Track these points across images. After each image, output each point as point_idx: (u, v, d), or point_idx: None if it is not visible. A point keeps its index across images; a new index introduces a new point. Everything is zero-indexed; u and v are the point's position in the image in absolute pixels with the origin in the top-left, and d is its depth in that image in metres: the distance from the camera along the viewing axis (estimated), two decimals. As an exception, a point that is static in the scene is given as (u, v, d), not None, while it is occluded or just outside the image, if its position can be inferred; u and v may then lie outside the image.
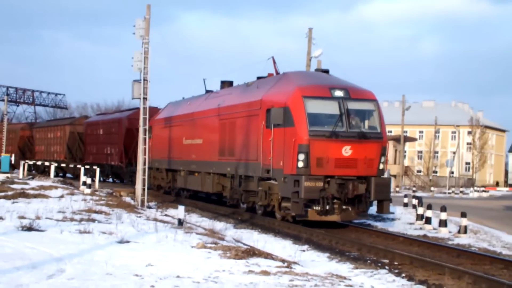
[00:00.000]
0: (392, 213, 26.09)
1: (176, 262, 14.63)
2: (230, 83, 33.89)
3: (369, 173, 23.25)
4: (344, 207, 23.23)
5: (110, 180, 52.51)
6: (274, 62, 30.14)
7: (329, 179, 22.64)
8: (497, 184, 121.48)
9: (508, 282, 14.39)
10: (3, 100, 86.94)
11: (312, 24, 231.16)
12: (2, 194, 30.36)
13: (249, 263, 14.97)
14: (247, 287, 12.30)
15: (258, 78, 29.95)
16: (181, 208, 23.60)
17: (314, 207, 22.86)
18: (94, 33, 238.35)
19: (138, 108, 43.75)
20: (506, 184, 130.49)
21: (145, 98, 31.17)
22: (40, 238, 17.33)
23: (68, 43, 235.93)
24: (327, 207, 22.46)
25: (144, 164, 31.28)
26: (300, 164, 22.47)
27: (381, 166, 23.54)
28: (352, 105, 23.50)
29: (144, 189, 30.99)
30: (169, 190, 39.21)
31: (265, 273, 13.87)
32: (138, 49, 30.90)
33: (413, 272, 16.27)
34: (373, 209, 25.91)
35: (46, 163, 57.11)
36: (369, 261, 17.92)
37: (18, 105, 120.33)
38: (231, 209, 30.89)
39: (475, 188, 72.70)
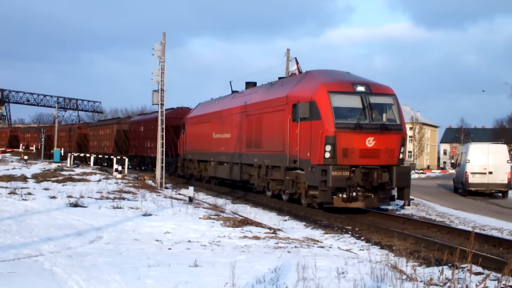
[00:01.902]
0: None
1: (187, 230, 14.60)
2: (254, 84, 30.77)
3: (390, 162, 20.25)
4: (367, 194, 20.18)
5: (150, 169, 49.43)
6: (297, 62, 26.91)
7: (354, 168, 19.67)
8: (428, 167, 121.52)
9: (440, 241, 14.45)
10: (54, 107, 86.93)
11: (290, 45, 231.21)
12: (54, 178, 30.36)
13: (244, 230, 14.94)
14: (242, 248, 12.28)
15: (280, 78, 27.30)
16: (191, 188, 23.52)
17: (340, 195, 19.85)
18: (123, 55, 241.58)
19: (172, 108, 44.15)
20: (438, 167, 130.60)
21: (162, 104, 31.16)
22: (83, 212, 17.32)
23: (102, 62, 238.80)
24: (353, 195, 19.53)
25: (162, 155, 31.13)
26: (327, 155, 19.50)
27: (401, 156, 20.66)
28: (373, 99, 20.46)
29: (162, 174, 30.88)
30: (199, 177, 35.99)
31: (256, 237, 13.84)
32: (156, 67, 30.88)
33: (370, 236, 16.23)
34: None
35: (87, 155, 57.08)
36: (336, 228, 17.88)
37: (65, 111, 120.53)
38: (228, 189, 30.77)
39: (415, 170, 72.58)
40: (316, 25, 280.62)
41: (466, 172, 32.49)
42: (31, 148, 76.73)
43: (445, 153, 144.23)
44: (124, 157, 45.55)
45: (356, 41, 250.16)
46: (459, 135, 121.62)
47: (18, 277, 8.67)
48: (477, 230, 16.46)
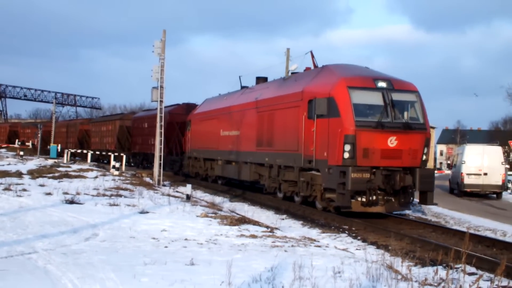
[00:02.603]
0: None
1: (184, 228, 14.57)
2: (264, 79, 29.15)
3: (413, 164, 18.73)
4: (387, 198, 18.72)
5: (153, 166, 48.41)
6: (313, 56, 24.80)
7: (374, 170, 18.17)
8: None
9: (435, 242, 14.47)
10: (52, 103, 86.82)
11: (290, 45, 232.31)
12: (51, 175, 30.26)
13: (241, 229, 14.91)
14: (239, 247, 12.24)
15: (293, 73, 25.68)
16: (189, 186, 23.52)
17: (359, 198, 18.51)
18: (123, 51, 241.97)
19: (178, 104, 42.69)
20: (435, 167, 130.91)
21: (161, 101, 31.07)
22: (80, 209, 17.26)
23: (102, 58, 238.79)
24: (373, 198, 18.09)
25: (160, 152, 31.04)
26: (346, 155, 17.94)
27: (424, 157, 19.10)
28: (396, 96, 18.96)
29: (160, 172, 30.83)
30: (205, 177, 34.31)
31: (253, 236, 13.82)
32: (156, 64, 30.83)
33: (366, 235, 16.24)
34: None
35: (84, 151, 56.72)
36: (333, 227, 17.87)
37: (63, 107, 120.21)
38: (227, 187, 30.68)
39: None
40: (316, 25, 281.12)
41: (461, 173, 32.77)
42: (27, 144, 76.40)
43: (441, 154, 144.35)
44: (122, 154, 44.95)
45: (356, 42, 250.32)
46: (456, 137, 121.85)
47: (11, 275, 8.60)
48: (471, 231, 16.53)
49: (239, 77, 32.48)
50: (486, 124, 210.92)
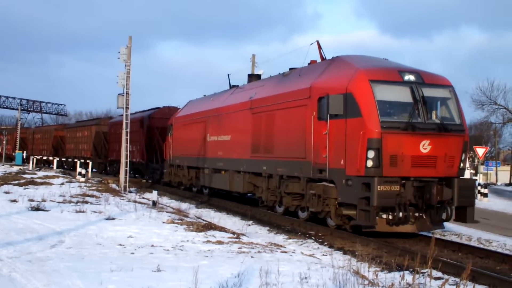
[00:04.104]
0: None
1: (151, 234, 14.48)
2: (258, 77, 25.85)
3: (449, 173, 15.50)
4: (417, 214, 15.46)
5: (132, 175, 42.83)
6: (320, 47, 20.42)
7: (404, 181, 14.96)
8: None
9: (401, 247, 14.50)
10: (17, 109, 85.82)
11: (258, 50, 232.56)
12: (16, 182, 29.92)
13: (207, 235, 14.85)
14: (205, 253, 12.19)
15: (291, 69, 21.54)
16: (155, 192, 23.40)
17: (383, 216, 15.04)
18: (89, 57, 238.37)
19: (158, 108, 40.66)
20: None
21: (127, 107, 30.88)
22: (45, 216, 17.06)
23: (68, 64, 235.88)
24: (403, 216, 14.73)
25: (126, 158, 30.80)
26: (370, 163, 14.70)
27: (461, 165, 15.85)
28: (427, 92, 15.64)
29: (126, 178, 30.59)
30: (189, 187, 31.17)
31: (220, 242, 13.77)
32: (122, 70, 30.66)
33: (333, 241, 16.23)
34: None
35: (50, 158, 55.97)
36: (299, 233, 17.84)
37: (29, 113, 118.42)
38: (192, 193, 30.49)
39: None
40: (285, 30, 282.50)
41: None
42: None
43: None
44: (88, 161, 44.23)
45: (324, 46, 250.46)
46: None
47: (-24, 283, 8.46)
48: (437, 236, 16.55)
49: (228, 75, 29.77)
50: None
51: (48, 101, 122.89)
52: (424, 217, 15.64)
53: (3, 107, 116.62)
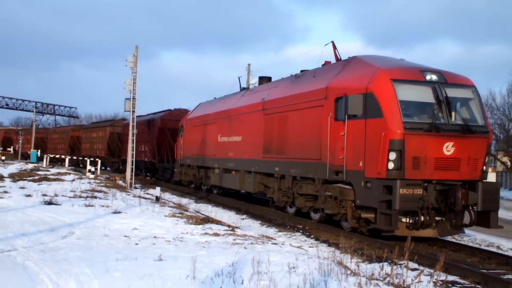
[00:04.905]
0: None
1: (153, 227, 14.47)
2: (268, 79, 23.97)
3: (472, 176, 13.78)
4: (437, 218, 13.79)
5: (144, 174, 42.30)
6: (335, 48, 18.38)
7: (426, 184, 13.39)
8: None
9: (382, 241, 14.40)
10: (32, 111, 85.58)
11: (252, 60, 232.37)
12: (31, 178, 29.83)
13: (205, 228, 14.85)
14: (203, 244, 12.20)
15: (302, 71, 19.76)
16: (158, 188, 23.33)
17: (403, 219, 13.47)
18: (98, 64, 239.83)
19: (169, 110, 39.23)
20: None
21: (133, 111, 30.86)
22: (57, 210, 17.02)
23: (79, 70, 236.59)
24: (425, 220, 13.17)
25: (132, 157, 30.78)
26: (391, 165, 13.14)
27: (485, 168, 14.17)
28: (450, 92, 13.96)
29: (132, 175, 30.56)
30: (199, 186, 29.67)
31: (216, 234, 13.78)
32: (129, 76, 30.60)
33: (318, 234, 16.21)
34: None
35: (63, 156, 55.77)
36: (288, 227, 17.81)
37: (43, 115, 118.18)
38: (192, 189, 30.47)
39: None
40: (277, 42, 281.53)
41: None
42: (8, 149, 74.96)
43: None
44: (97, 159, 43.81)
45: (313, 57, 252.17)
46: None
47: (-8, 271, 8.45)
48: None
49: (239, 78, 28.88)
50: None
51: (61, 104, 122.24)
52: (444, 221, 13.93)
53: (20, 109, 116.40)
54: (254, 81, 26.78)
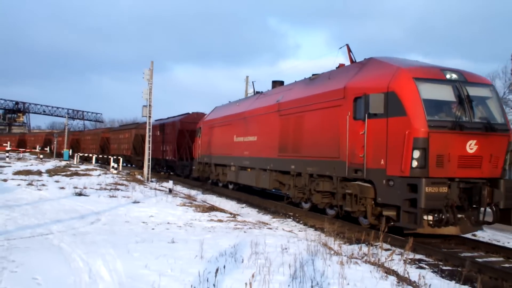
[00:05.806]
0: None
1: (167, 214, 14.45)
2: (281, 83, 22.26)
3: (493, 174, 12.16)
4: (459, 215, 11.87)
5: (165, 171, 40.72)
6: (349, 50, 16.51)
7: (449, 182, 11.64)
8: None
9: (359, 226, 14.31)
10: (65, 117, 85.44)
11: (250, 73, 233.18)
12: (63, 173, 29.74)
13: (211, 215, 14.84)
14: (209, 229, 12.18)
15: (314, 75, 17.75)
16: (170, 182, 23.32)
17: (425, 217, 11.64)
18: (120, 76, 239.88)
19: (188, 113, 38.13)
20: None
21: (149, 117, 30.80)
22: (86, 200, 17.02)
23: (105, 81, 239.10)
24: (448, 217, 11.44)
25: (149, 156, 30.74)
26: (415, 164, 11.42)
27: (505, 166, 12.52)
28: (471, 91, 12.28)
29: (149, 171, 30.52)
30: (216, 181, 27.83)
31: (220, 220, 13.76)
32: (146, 87, 30.57)
33: (307, 220, 16.14)
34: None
35: (90, 155, 55.64)
36: (281, 214, 17.76)
37: (73, 120, 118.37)
38: (200, 182, 30.33)
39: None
40: (272, 57, 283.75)
41: None
42: (45, 148, 74.74)
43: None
44: (119, 158, 43.58)
45: (302, 70, 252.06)
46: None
47: (32, 251, 8.46)
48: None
49: (252, 82, 27.77)
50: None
51: (88, 110, 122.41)
52: (465, 218, 12.17)
53: (55, 115, 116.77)
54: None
